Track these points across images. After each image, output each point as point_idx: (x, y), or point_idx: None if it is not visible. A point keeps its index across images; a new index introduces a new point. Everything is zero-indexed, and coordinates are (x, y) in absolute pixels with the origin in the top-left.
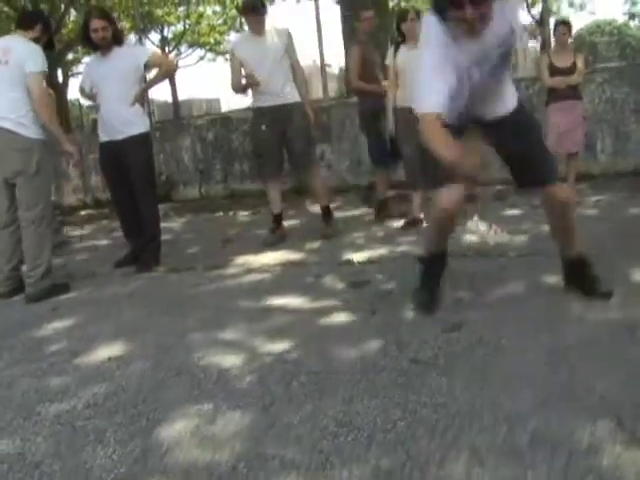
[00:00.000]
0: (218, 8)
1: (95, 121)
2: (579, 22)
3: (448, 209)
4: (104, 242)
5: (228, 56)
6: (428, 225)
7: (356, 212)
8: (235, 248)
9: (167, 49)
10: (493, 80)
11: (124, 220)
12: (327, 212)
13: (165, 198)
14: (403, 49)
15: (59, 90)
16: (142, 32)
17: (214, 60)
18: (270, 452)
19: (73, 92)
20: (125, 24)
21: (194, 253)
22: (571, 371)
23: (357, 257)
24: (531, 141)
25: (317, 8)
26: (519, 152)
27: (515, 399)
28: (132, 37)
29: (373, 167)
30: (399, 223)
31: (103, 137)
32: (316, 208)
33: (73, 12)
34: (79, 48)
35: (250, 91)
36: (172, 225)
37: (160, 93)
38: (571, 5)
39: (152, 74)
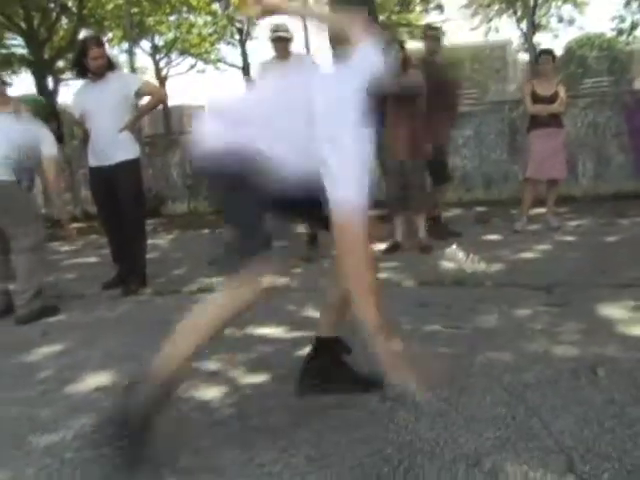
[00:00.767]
0: (209, 18)
1: (86, 131)
2: (568, 36)
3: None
4: (92, 259)
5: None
6: None
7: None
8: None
9: (157, 57)
10: None
11: (113, 244)
12: (311, 235)
13: (154, 213)
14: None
15: (50, 98)
16: (133, 41)
17: (203, 72)
18: None
19: (63, 98)
20: (116, 32)
21: (180, 274)
22: (529, 411)
23: None
24: None
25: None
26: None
27: (475, 439)
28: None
29: None
30: (381, 247)
31: (93, 162)
32: (301, 228)
33: (64, 20)
34: (69, 56)
35: None
36: (160, 242)
37: None
38: (560, 20)
39: (143, 102)
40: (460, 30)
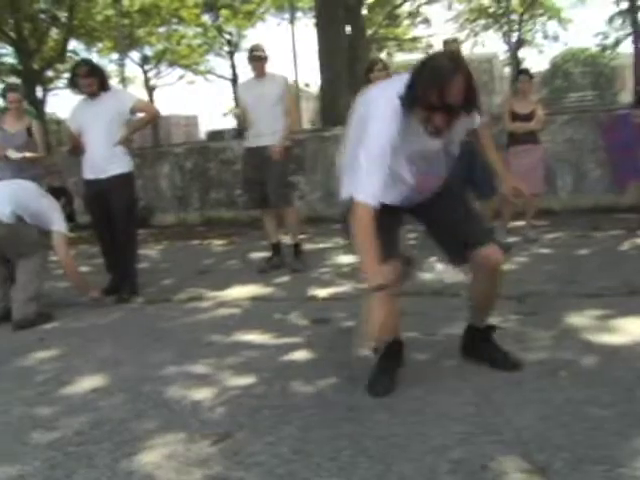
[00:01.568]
0: (199, 29)
1: (78, 144)
2: (553, 51)
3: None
4: (84, 269)
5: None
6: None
7: (326, 245)
8: (209, 280)
9: (147, 67)
10: (435, 174)
11: (106, 255)
12: (297, 248)
13: (143, 224)
14: None
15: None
16: (123, 51)
17: (193, 83)
18: (235, 475)
19: (51, 107)
20: (106, 43)
21: (170, 284)
22: (494, 409)
23: (322, 293)
24: (461, 211)
25: (293, 36)
26: (450, 224)
27: (443, 434)
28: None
29: None
30: None
31: (88, 175)
32: (288, 239)
33: (54, 30)
34: (59, 66)
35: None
36: (150, 253)
37: None
38: (545, 37)
39: (136, 119)
40: None
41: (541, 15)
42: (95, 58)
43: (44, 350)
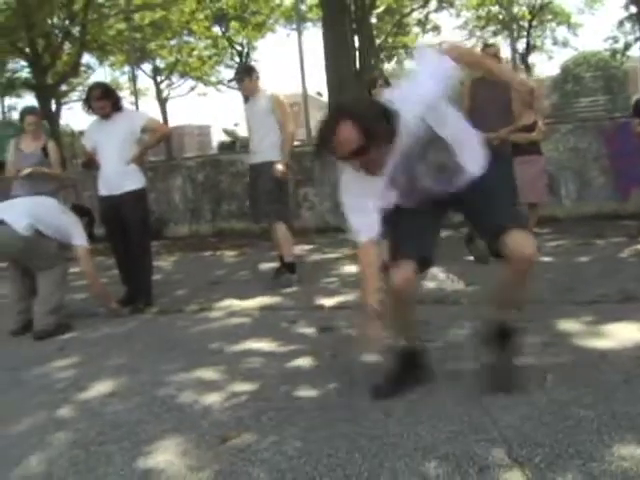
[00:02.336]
0: (209, 41)
1: (92, 160)
2: (562, 57)
3: (399, 288)
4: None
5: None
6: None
7: (334, 255)
8: (220, 290)
9: (158, 79)
10: (429, 162)
11: (122, 268)
12: (282, 264)
13: (156, 236)
14: None
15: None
16: (135, 64)
17: (205, 95)
18: (242, 470)
19: (65, 120)
20: (118, 57)
21: (183, 294)
22: (482, 410)
23: (328, 302)
24: (498, 205)
25: (300, 45)
26: (486, 216)
27: (433, 433)
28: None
29: None
30: None
31: (103, 191)
32: (298, 250)
33: (68, 45)
34: (72, 80)
35: None
36: (163, 264)
37: None
38: (555, 43)
39: (148, 137)
40: None
41: (550, 21)
42: (108, 71)
43: (63, 359)
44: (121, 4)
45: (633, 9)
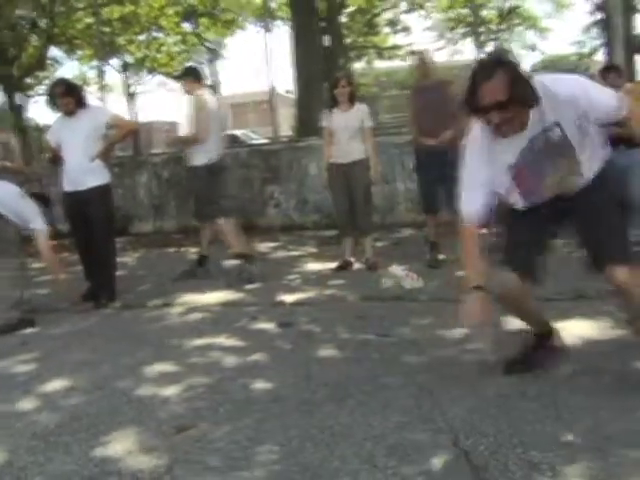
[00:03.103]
0: (179, 37)
1: (58, 156)
2: (530, 60)
3: (501, 296)
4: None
5: None
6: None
7: (297, 252)
8: (183, 286)
9: (127, 74)
10: (550, 164)
11: (85, 264)
12: (240, 259)
13: (122, 232)
14: (336, 112)
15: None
16: (103, 59)
17: (173, 91)
18: (197, 459)
19: (32, 113)
20: (86, 51)
21: (146, 290)
22: (432, 402)
23: (289, 298)
24: (599, 223)
25: (266, 44)
26: (587, 233)
27: (384, 423)
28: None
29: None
30: (332, 265)
31: (67, 187)
32: (263, 247)
33: (34, 37)
34: (39, 74)
35: None
36: (128, 260)
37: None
38: (523, 47)
39: (113, 133)
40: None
41: (518, 25)
42: (75, 65)
43: (26, 353)
44: None
45: (599, 15)
